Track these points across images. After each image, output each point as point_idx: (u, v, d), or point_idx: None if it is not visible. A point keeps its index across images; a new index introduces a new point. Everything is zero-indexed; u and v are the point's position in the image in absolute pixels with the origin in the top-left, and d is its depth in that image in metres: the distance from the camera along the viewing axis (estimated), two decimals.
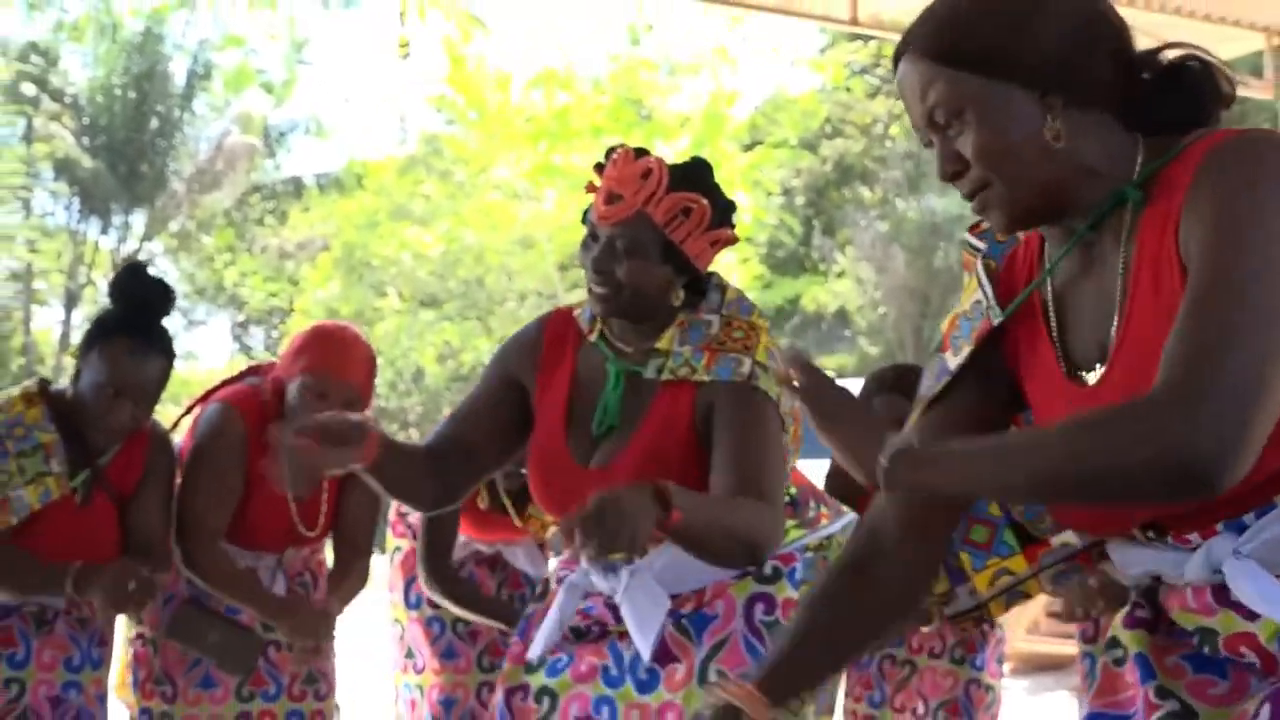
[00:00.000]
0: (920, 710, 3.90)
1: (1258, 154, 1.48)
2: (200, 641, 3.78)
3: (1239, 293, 1.38)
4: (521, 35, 31.98)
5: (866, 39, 23.01)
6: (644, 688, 2.55)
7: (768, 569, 2.43)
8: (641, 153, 2.65)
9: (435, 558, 4.18)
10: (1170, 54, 1.63)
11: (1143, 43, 2.15)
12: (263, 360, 5.16)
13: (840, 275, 24.67)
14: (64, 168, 27.60)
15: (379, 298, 23.85)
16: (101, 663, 3.76)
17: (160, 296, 3.68)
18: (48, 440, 3.52)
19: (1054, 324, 1.67)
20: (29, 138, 27.79)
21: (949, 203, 23.12)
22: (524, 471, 3.38)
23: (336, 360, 3.77)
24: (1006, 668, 5.27)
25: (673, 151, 22.14)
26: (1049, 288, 1.67)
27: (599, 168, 2.66)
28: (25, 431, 3.51)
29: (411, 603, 4.32)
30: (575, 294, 23.11)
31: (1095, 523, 1.79)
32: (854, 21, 6.95)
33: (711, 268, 2.93)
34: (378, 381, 4.23)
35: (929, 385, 1.81)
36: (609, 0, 28.84)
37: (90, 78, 28.42)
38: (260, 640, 3.82)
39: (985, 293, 1.76)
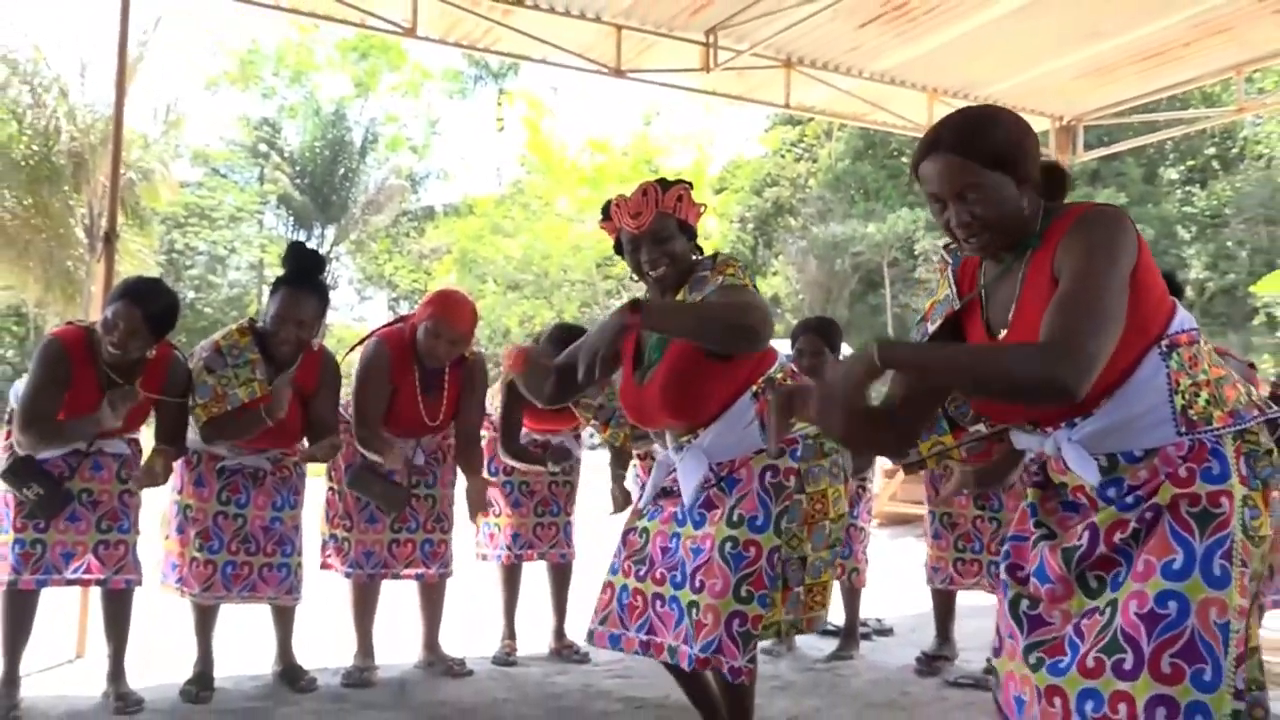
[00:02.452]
0: None
1: (1098, 221, 1.74)
2: (369, 491, 3.78)
3: (1082, 293, 1.65)
4: (574, 116, 33.09)
5: (795, 122, 26.28)
6: (696, 525, 2.64)
7: (775, 450, 2.13)
8: (635, 191, 2.68)
9: (509, 437, 4.22)
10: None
11: None
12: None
13: (775, 274, 26.47)
14: (283, 199, 29.37)
15: (481, 284, 24.95)
16: (296, 505, 3.74)
17: (311, 259, 3.70)
18: (254, 358, 3.54)
19: (984, 305, 1.90)
20: (261, 179, 29.90)
21: (844, 229, 24.33)
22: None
23: (449, 312, 3.79)
24: (875, 521, 5.72)
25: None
26: (982, 287, 1.90)
27: (605, 213, 2.73)
28: (239, 353, 3.54)
29: (492, 471, 4.26)
30: (608, 284, 24.99)
31: (1000, 416, 1.93)
32: (787, 106, 6.81)
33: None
34: (482, 336, 5.08)
35: (916, 341, 1.98)
36: (633, 96, 30.52)
37: (301, 142, 29.71)
38: (408, 492, 3.83)
39: (951, 291, 1.98)
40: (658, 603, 2.64)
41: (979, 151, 1.76)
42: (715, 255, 2.69)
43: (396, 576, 3.93)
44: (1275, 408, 1.79)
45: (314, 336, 3.67)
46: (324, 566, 3.97)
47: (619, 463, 4.32)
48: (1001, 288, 1.85)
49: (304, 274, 3.61)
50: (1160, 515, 1.70)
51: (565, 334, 3.91)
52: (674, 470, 2.73)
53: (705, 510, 2.63)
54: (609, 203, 2.72)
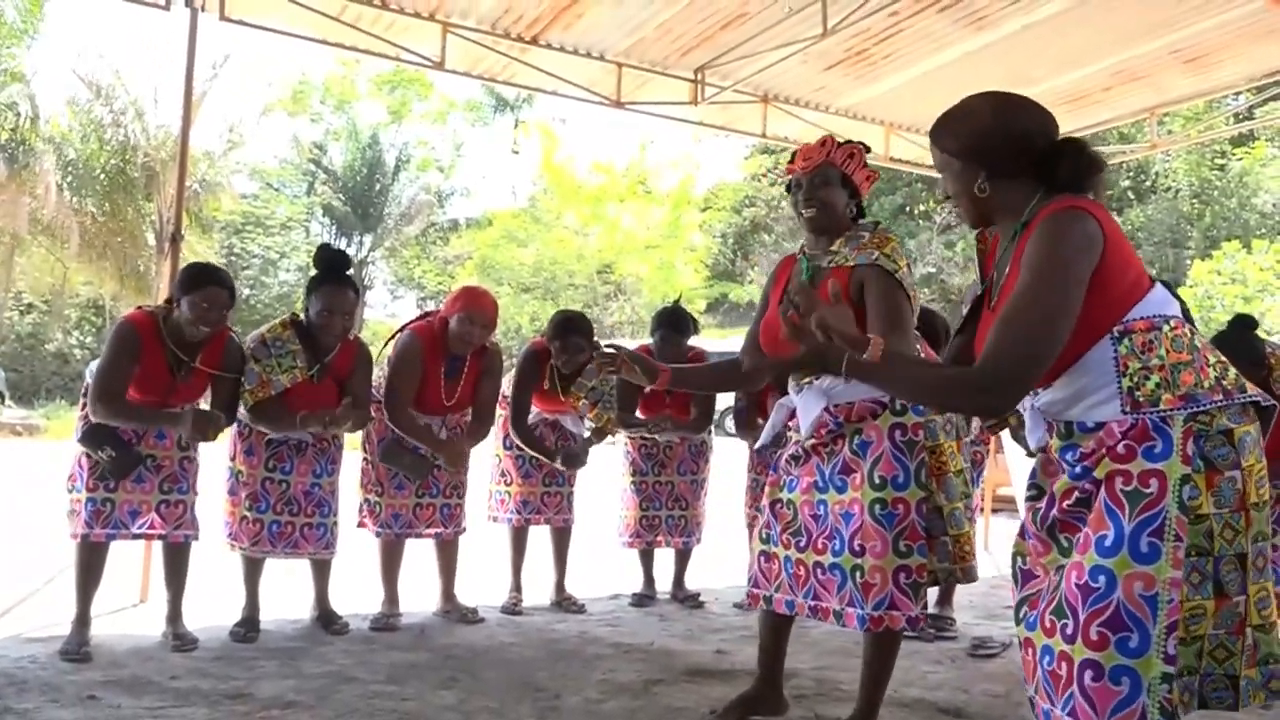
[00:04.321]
0: None
1: (1053, 231, 1.64)
2: (398, 462, 3.80)
3: (1021, 314, 1.61)
4: (581, 142, 32.92)
5: (771, 151, 25.77)
6: (839, 490, 2.47)
7: (898, 406, 2.19)
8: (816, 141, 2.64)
9: (520, 420, 4.18)
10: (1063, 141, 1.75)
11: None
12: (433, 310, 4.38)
13: (751, 283, 26.21)
14: (327, 210, 29.32)
15: (498, 286, 23.92)
16: (333, 473, 3.72)
17: (342, 258, 3.67)
18: (295, 349, 3.52)
19: (992, 284, 1.82)
20: (309, 193, 29.86)
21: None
22: (562, 367, 4.08)
23: (478, 303, 3.84)
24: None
25: (657, 213, 23.98)
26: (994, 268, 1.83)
27: (791, 158, 2.64)
28: (282, 344, 3.53)
29: (506, 445, 4.29)
30: (606, 289, 24.72)
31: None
32: (764, 136, 6.85)
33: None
34: (498, 331, 4.06)
35: (957, 323, 1.95)
36: (630, 125, 29.26)
37: (343, 161, 29.46)
38: (430, 463, 3.85)
39: (979, 274, 1.92)
40: (818, 570, 2.51)
41: (942, 141, 1.82)
42: (876, 223, 2.57)
43: (419, 536, 3.97)
44: (1249, 394, 1.66)
45: (353, 326, 3.68)
46: (360, 525, 3.98)
47: (598, 437, 4.36)
48: (1000, 268, 1.79)
49: (336, 271, 3.61)
50: (1098, 489, 1.65)
51: (565, 320, 4.13)
52: (793, 413, 2.59)
53: (844, 475, 2.48)
54: (795, 151, 2.68)
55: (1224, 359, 1.71)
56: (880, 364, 1.80)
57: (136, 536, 3.46)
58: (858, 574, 2.43)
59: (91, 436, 3.33)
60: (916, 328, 3.62)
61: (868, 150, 2.64)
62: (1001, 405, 1.63)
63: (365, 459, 3.95)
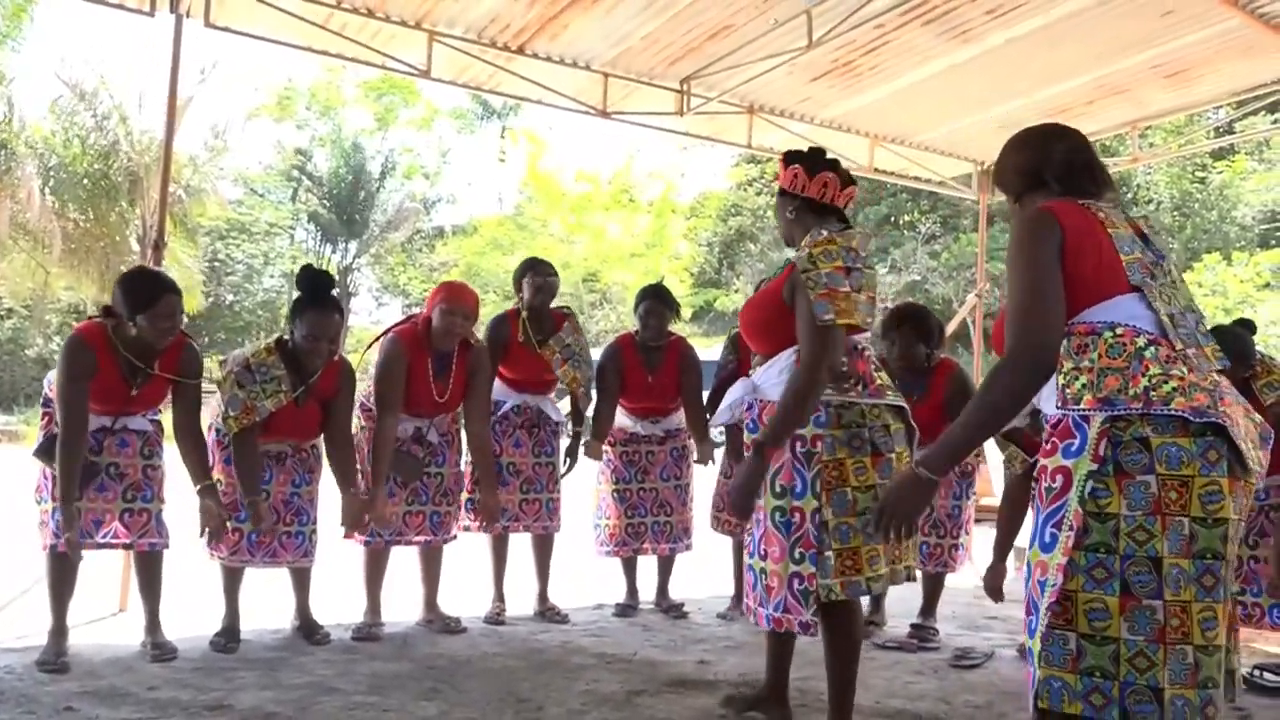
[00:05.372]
0: None
1: (1019, 221, 1.87)
2: (394, 466, 3.81)
3: (1009, 308, 1.79)
4: (567, 151, 32.84)
5: (757, 161, 25.74)
6: (760, 496, 2.56)
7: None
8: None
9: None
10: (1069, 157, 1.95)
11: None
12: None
13: (736, 291, 26.12)
14: (313, 217, 29.03)
15: (484, 293, 22.90)
16: (311, 482, 3.71)
17: (325, 280, 3.67)
18: (280, 374, 3.51)
19: None
20: (294, 199, 29.61)
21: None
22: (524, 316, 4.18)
23: (457, 295, 3.88)
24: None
25: (642, 221, 24.04)
26: None
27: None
28: (267, 370, 3.51)
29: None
30: (592, 296, 24.86)
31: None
32: (749, 146, 6.88)
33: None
34: (484, 335, 4.14)
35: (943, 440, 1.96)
36: (616, 136, 31.19)
37: (329, 167, 29.29)
38: (420, 466, 3.90)
39: None
40: (750, 574, 2.66)
41: (994, 178, 2.19)
42: (846, 226, 2.65)
43: (409, 543, 3.96)
44: (1172, 408, 1.64)
45: (339, 348, 3.70)
46: (347, 537, 3.92)
47: (577, 420, 4.41)
48: None
49: (320, 293, 3.59)
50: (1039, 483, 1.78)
51: (531, 259, 4.36)
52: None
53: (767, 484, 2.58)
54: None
55: (1183, 375, 1.70)
56: (950, 440, 1.84)
57: (101, 546, 3.41)
58: (763, 576, 2.57)
59: (45, 451, 3.33)
60: (903, 324, 3.89)
61: (795, 156, 2.71)
62: (1036, 358, 1.74)
63: (356, 468, 3.89)
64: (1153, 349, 1.72)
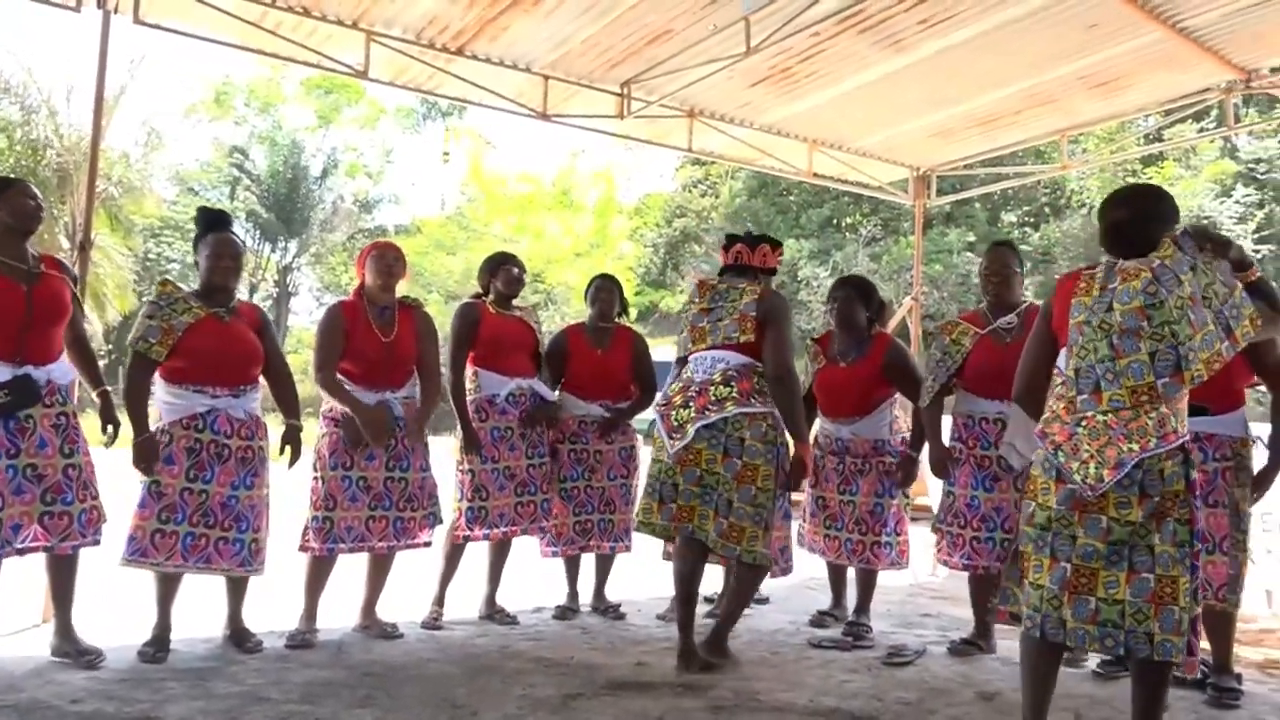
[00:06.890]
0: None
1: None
2: (355, 427, 3.79)
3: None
4: (510, 151, 32.86)
5: (701, 163, 25.91)
6: None
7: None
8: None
9: (458, 377, 4.26)
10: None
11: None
12: None
13: (680, 291, 25.88)
14: (250, 215, 28.70)
15: (428, 294, 24.48)
16: (253, 485, 3.61)
17: (219, 214, 3.82)
18: (183, 297, 3.60)
19: None
20: (232, 198, 29.19)
21: None
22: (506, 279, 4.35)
23: (381, 244, 4.06)
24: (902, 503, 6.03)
25: (582, 223, 24.23)
26: None
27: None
28: (170, 296, 3.58)
29: (483, 460, 4.19)
30: (536, 297, 24.38)
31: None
32: (690, 150, 6.90)
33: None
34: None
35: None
36: (559, 136, 30.31)
37: (267, 166, 29.15)
38: (391, 421, 3.86)
39: None
40: None
41: None
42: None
43: (372, 550, 3.90)
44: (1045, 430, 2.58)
45: (242, 269, 3.81)
46: (302, 548, 3.84)
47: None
48: None
49: (219, 223, 3.74)
50: None
51: (498, 254, 4.57)
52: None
53: None
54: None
55: (1057, 411, 2.56)
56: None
57: (22, 552, 3.25)
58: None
59: None
60: (846, 286, 4.29)
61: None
62: (1020, 402, 2.78)
63: (315, 476, 3.86)
64: (1061, 388, 2.54)
